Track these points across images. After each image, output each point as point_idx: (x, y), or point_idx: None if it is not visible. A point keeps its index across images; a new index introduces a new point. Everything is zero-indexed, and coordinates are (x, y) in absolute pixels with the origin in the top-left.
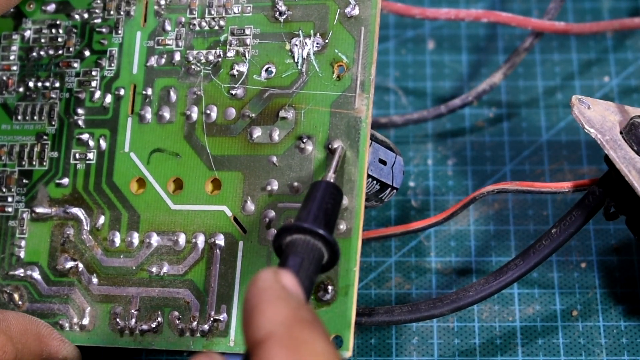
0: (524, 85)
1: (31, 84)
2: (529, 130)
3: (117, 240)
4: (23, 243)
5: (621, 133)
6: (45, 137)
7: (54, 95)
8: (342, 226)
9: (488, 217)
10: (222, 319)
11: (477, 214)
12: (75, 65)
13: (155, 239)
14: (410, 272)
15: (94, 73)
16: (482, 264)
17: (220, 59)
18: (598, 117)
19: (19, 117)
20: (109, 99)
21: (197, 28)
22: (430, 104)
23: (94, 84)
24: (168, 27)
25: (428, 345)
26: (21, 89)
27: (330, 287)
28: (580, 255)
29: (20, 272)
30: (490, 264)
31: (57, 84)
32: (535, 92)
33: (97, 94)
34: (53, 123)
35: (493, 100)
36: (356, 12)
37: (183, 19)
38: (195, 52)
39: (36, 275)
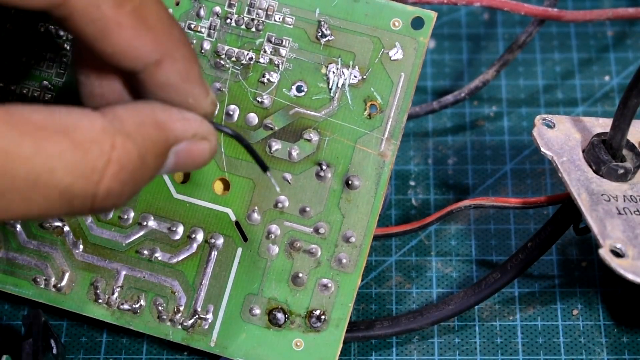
0: (524, 84)
1: (42, 29)
2: (529, 129)
3: (111, 213)
4: None
5: (584, 152)
6: (51, 88)
7: (67, 47)
8: (345, 260)
9: (488, 216)
10: (207, 318)
11: (477, 213)
12: None
13: (151, 222)
14: (410, 271)
15: None
16: (483, 263)
17: (251, 62)
18: (560, 137)
19: (23, 59)
20: None
21: (233, 24)
22: None
23: None
24: (202, 14)
25: (428, 344)
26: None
27: (323, 317)
28: (580, 254)
29: None
30: (490, 263)
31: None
32: (536, 91)
33: None
34: (61, 75)
35: (493, 99)
36: (399, 56)
37: (219, 10)
38: (226, 47)
39: (18, 224)
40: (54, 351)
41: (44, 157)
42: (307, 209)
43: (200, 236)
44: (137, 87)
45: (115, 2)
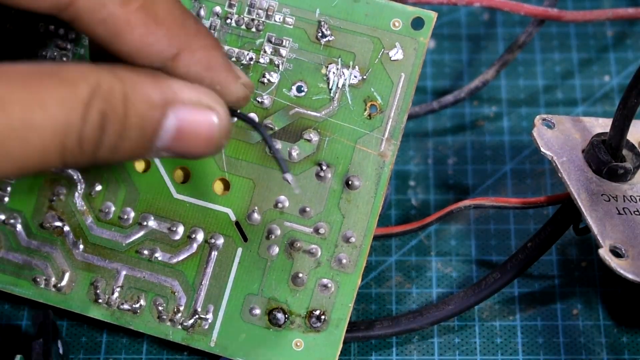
0: (524, 84)
1: (42, 28)
2: (529, 130)
3: (111, 213)
4: (9, 188)
5: (584, 152)
6: None
7: (68, 47)
8: (345, 260)
9: (488, 216)
10: (207, 318)
11: (477, 213)
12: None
13: (151, 222)
14: (410, 271)
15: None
16: (483, 263)
17: (251, 62)
18: (560, 137)
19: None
20: None
21: (233, 24)
22: None
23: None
24: (202, 14)
25: (428, 344)
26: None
27: (323, 317)
28: (580, 254)
29: (1, 216)
30: (490, 263)
31: (73, 36)
32: (535, 91)
33: None
34: None
35: (493, 99)
36: (400, 56)
37: (220, 11)
38: (226, 47)
39: (18, 224)
40: (60, 351)
41: (35, 95)
42: (307, 209)
43: (200, 236)
44: None
45: (121, 0)
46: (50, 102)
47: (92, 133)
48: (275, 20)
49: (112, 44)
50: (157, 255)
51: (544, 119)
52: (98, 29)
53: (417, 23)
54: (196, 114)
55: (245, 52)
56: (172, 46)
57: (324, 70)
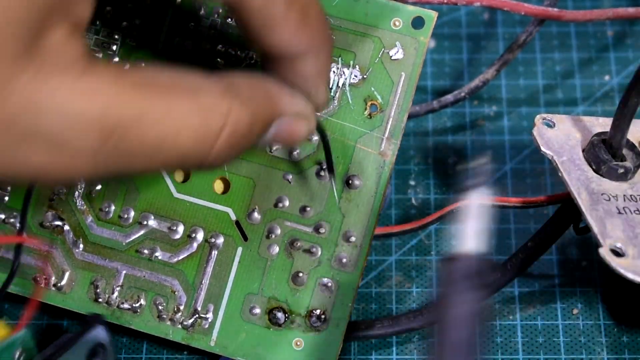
0: (524, 84)
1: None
2: (529, 129)
3: (111, 212)
4: (9, 187)
5: (584, 151)
6: None
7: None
8: (345, 260)
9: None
10: (207, 318)
11: None
12: (97, 21)
13: (151, 222)
14: (410, 270)
15: (115, 36)
16: None
17: (252, 62)
18: (560, 137)
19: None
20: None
21: (234, 24)
22: None
23: (114, 47)
24: (203, 13)
25: (429, 343)
26: None
27: (323, 316)
28: (580, 253)
29: (1, 215)
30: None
31: None
32: (536, 91)
33: (115, 60)
34: None
35: (494, 99)
36: (400, 56)
37: (220, 10)
38: (227, 47)
39: (18, 223)
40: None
41: (172, 119)
42: (308, 208)
43: (200, 235)
44: (265, 63)
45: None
46: (184, 130)
47: (214, 159)
48: None
49: (263, 37)
50: (157, 254)
51: (544, 119)
52: (256, 22)
53: (418, 22)
54: (294, 123)
55: (246, 52)
56: (308, 46)
57: None
